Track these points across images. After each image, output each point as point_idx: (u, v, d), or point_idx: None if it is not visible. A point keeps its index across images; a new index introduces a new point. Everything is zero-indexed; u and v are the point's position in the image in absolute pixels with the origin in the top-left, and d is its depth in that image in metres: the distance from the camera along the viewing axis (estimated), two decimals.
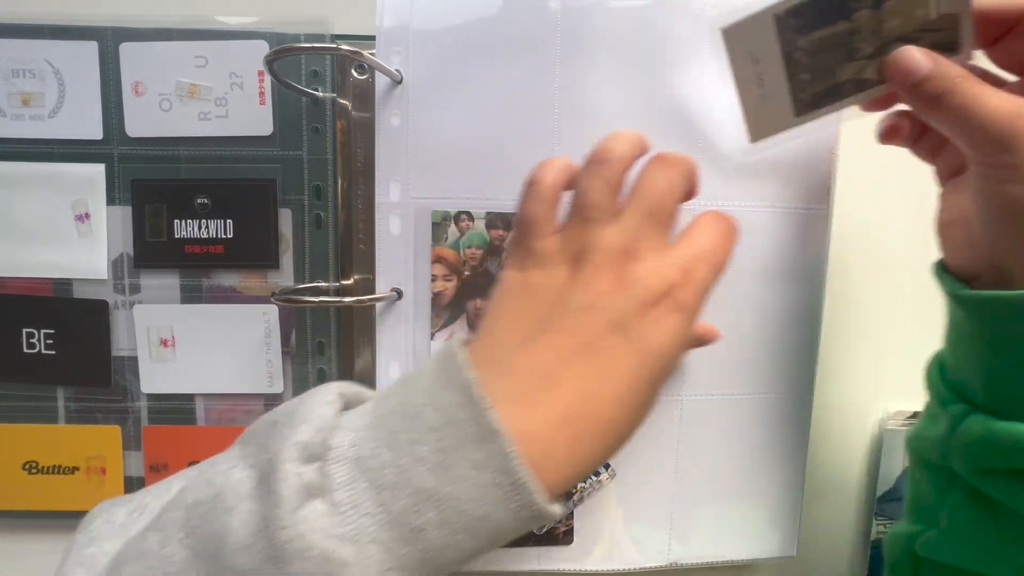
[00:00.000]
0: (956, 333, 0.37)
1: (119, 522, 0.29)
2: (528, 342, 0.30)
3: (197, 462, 0.48)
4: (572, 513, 0.45)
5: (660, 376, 0.31)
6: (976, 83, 0.31)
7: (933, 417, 0.38)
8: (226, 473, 0.28)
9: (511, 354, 0.30)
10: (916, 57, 0.32)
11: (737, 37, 0.37)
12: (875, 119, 0.38)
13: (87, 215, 0.47)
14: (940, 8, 0.33)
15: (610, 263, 0.31)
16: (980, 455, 0.34)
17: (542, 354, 0.29)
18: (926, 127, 0.37)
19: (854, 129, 0.40)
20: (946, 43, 0.33)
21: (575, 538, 0.45)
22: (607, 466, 0.44)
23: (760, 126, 0.39)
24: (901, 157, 0.40)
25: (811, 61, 0.36)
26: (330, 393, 0.29)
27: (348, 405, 0.30)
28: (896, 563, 0.40)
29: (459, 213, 0.43)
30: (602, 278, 0.30)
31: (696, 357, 0.44)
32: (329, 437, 0.27)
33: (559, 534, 0.45)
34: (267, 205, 0.47)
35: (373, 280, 0.44)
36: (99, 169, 0.47)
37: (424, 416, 0.27)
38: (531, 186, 0.34)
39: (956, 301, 0.35)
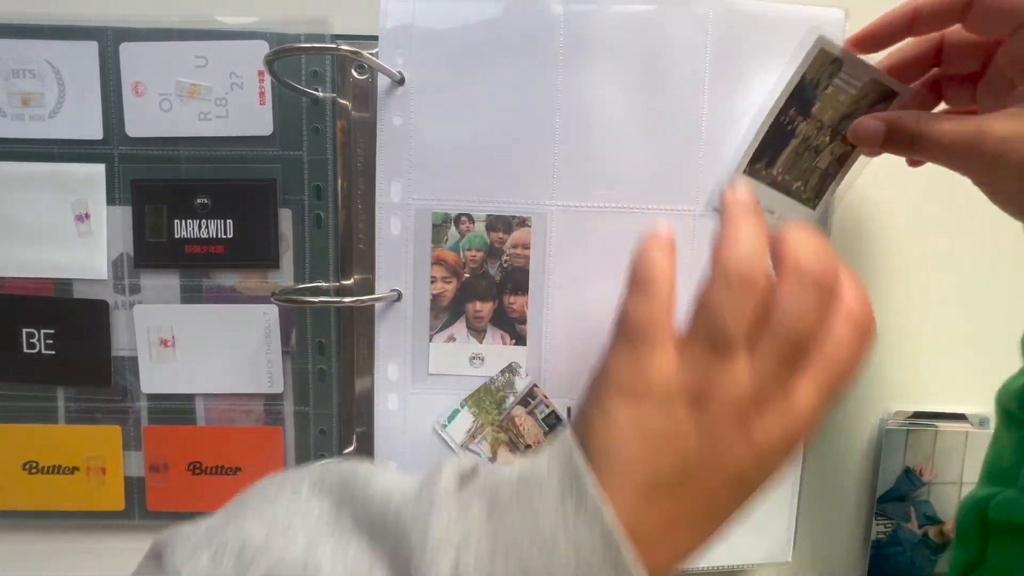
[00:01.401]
0: None
1: (204, 566, 0.28)
2: (653, 494, 0.28)
3: (199, 463, 0.49)
4: None
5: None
6: (934, 120, 0.35)
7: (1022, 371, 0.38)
8: (356, 559, 0.28)
9: (640, 504, 0.28)
10: (869, 124, 0.37)
11: None
12: None
13: (87, 215, 0.47)
14: (853, 86, 0.39)
15: (738, 415, 0.28)
16: None
17: (669, 509, 0.28)
18: None
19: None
20: (884, 95, 0.39)
21: None
22: None
23: None
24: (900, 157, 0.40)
25: (793, 175, 0.42)
26: (451, 480, 0.29)
27: (462, 478, 0.30)
28: (965, 529, 0.38)
29: (460, 215, 0.43)
30: (728, 433, 0.28)
31: None
32: (461, 556, 0.27)
33: None
34: (267, 205, 0.47)
35: (373, 280, 0.44)
36: (99, 169, 0.47)
37: (558, 551, 0.26)
38: (645, 283, 0.30)
39: None
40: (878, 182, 0.47)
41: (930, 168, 0.40)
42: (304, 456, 0.49)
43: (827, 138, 0.41)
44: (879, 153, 0.41)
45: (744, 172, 0.42)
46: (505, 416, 0.44)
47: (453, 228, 0.43)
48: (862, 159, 0.42)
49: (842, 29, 0.42)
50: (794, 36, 0.41)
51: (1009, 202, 0.35)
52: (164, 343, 0.48)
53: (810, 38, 0.39)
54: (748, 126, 0.42)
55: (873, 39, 0.38)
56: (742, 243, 0.29)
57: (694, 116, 0.42)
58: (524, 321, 0.44)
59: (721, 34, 0.41)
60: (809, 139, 0.41)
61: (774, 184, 0.42)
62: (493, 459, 0.44)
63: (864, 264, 0.50)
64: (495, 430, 0.44)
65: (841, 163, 0.42)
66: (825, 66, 0.39)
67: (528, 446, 0.44)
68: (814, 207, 0.43)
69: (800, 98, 0.40)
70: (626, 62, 0.42)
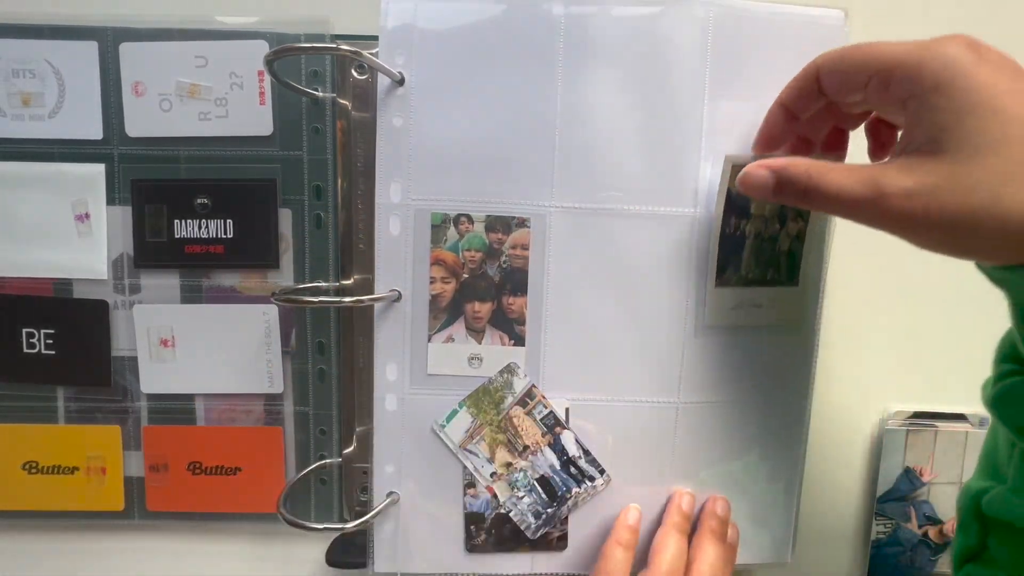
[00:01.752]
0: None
1: None
2: None
3: (199, 463, 0.49)
4: (566, 519, 0.45)
5: None
6: (826, 171, 0.32)
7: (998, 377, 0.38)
8: None
9: None
10: (755, 173, 0.34)
11: (717, 316, 0.43)
12: None
13: (87, 215, 0.47)
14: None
15: None
16: (1015, 412, 0.34)
17: None
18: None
19: (852, 135, 0.40)
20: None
21: (568, 544, 0.45)
22: (602, 471, 0.44)
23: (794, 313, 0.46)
24: None
25: (762, 267, 0.43)
26: None
27: None
28: (964, 517, 0.38)
29: (459, 216, 0.43)
30: None
31: (692, 364, 0.44)
32: None
33: (552, 540, 0.45)
34: (267, 205, 0.47)
35: (373, 280, 0.44)
36: (99, 169, 0.47)
37: None
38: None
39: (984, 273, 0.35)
40: None
41: None
42: (304, 456, 0.49)
43: (777, 225, 0.43)
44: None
45: (716, 286, 0.43)
46: (503, 416, 0.44)
47: (452, 228, 0.43)
48: (825, 222, 0.44)
49: (843, 30, 0.42)
50: (794, 37, 0.41)
51: (937, 250, 0.31)
52: (164, 343, 0.48)
53: (719, 161, 0.40)
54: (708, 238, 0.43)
55: (772, 140, 0.39)
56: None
57: (694, 117, 0.42)
58: (523, 322, 0.44)
59: (721, 35, 0.41)
60: (761, 233, 0.42)
61: (747, 283, 0.43)
62: (491, 459, 0.44)
63: (865, 264, 0.50)
64: (493, 430, 0.44)
65: (802, 239, 0.44)
66: None
67: (526, 447, 0.44)
68: (796, 283, 0.44)
69: (735, 207, 0.41)
70: (626, 63, 0.41)
